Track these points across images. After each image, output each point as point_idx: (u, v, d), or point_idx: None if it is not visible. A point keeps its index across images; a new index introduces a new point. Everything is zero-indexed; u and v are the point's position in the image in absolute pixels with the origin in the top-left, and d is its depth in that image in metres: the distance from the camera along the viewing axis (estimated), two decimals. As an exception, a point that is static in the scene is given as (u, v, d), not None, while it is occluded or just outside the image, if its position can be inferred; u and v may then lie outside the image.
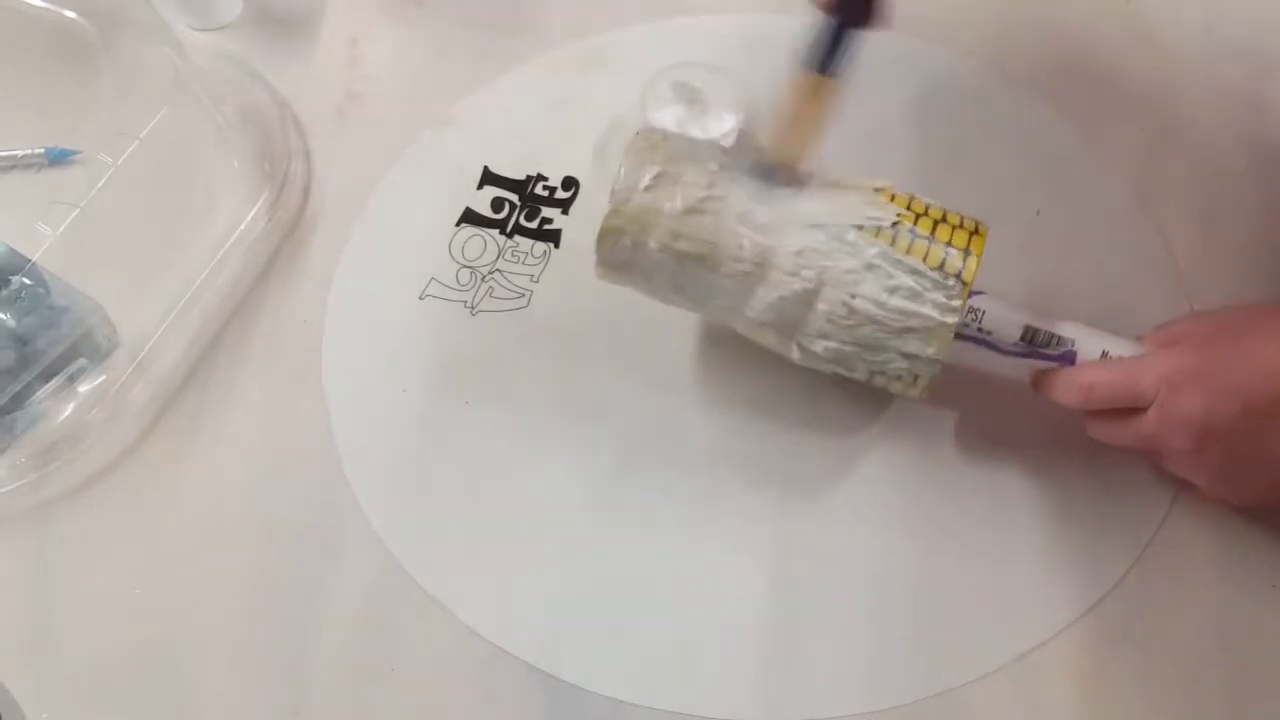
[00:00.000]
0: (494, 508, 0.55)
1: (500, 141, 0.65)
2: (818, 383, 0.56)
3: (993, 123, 0.65)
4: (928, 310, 0.49)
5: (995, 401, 0.56)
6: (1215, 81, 0.66)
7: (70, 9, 0.63)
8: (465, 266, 0.61)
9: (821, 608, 0.52)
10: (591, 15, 0.69)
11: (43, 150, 0.63)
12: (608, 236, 0.51)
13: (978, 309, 0.51)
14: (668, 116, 0.62)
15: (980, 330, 0.51)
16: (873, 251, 0.49)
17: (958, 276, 0.49)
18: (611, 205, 0.50)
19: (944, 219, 0.50)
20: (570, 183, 0.64)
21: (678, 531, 0.54)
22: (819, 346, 0.51)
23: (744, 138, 0.63)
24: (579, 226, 0.62)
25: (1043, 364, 0.52)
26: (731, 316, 0.52)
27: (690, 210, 0.50)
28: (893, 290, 0.49)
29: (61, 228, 0.54)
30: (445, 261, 0.61)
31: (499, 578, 0.53)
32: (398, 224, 0.63)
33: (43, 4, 0.64)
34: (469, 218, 0.63)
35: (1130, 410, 0.49)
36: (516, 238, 0.62)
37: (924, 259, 0.49)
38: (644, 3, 0.70)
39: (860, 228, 0.49)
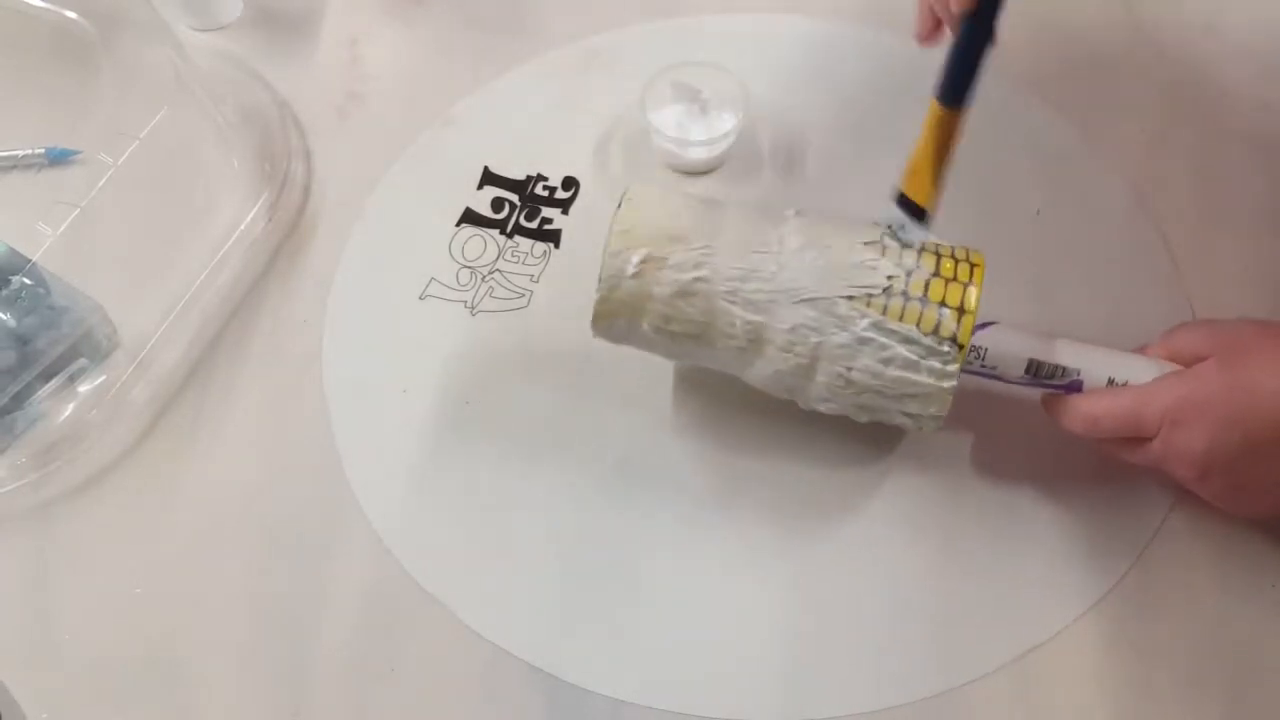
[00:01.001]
0: (494, 507, 0.55)
1: (500, 141, 0.65)
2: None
3: (993, 123, 0.65)
4: (924, 378, 0.48)
5: (997, 407, 0.56)
6: (1215, 81, 0.66)
7: (70, 9, 0.63)
8: (465, 266, 0.61)
9: (821, 608, 0.52)
10: (591, 15, 0.69)
11: (43, 150, 0.63)
12: (601, 319, 0.51)
13: (980, 347, 0.50)
14: (668, 116, 0.62)
15: (984, 366, 0.51)
16: (864, 324, 0.48)
17: (953, 339, 0.48)
18: (600, 291, 0.50)
19: (937, 270, 0.49)
20: (570, 183, 0.64)
21: (678, 531, 0.54)
22: (822, 407, 0.51)
23: (743, 138, 0.63)
24: (579, 226, 0.62)
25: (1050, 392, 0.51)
26: (735, 373, 0.53)
27: (679, 294, 0.49)
28: (888, 361, 0.48)
29: (62, 228, 0.54)
30: (445, 261, 0.61)
31: (499, 578, 0.53)
32: (398, 224, 0.63)
33: (43, 4, 0.64)
34: (469, 218, 0.63)
35: (1137, 438, 0.49)
36: (516, 238, 0.62)
37: (917, 324, 0.48)
38: (644, 3, 0.70)
39: (850, 298, 0.48)
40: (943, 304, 0.48)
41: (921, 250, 0.49)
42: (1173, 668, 0.50)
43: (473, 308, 0.60)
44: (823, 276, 0.49)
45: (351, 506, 0.54)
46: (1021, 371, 0.50)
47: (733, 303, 0.49)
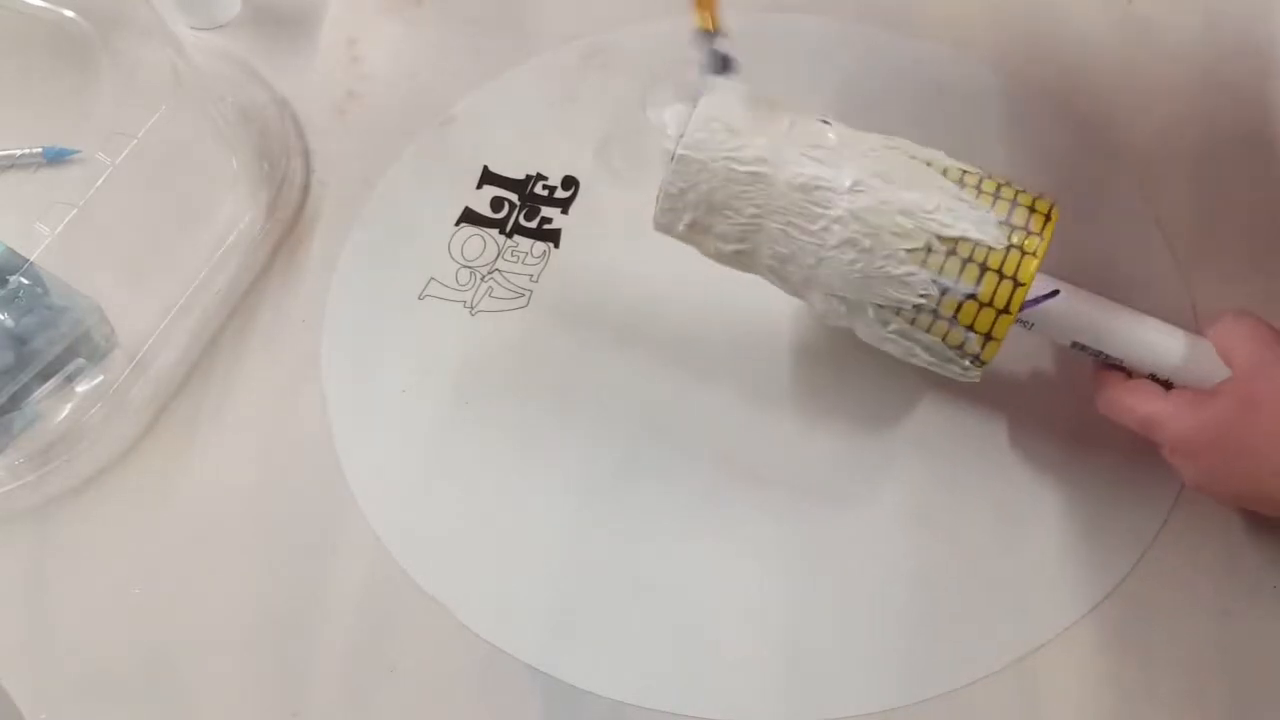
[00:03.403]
0: (493, 508, 0.54)
1: (500, 141, 0.65)
2: (820, 384, 0.56)
3: (993, 123, 0.65)
4: (950, 371, 0.51)
5: (997, 405, 0.56)
6: (1216, 80, 0.66)
7: (69, 8, 0.63)
8: (464, 266, 0.61)
9: (822, 608, 0.52)
10: (591, 15, 0.69)
11: (40, 149, 0.63)
12: (660, 229, 0.52)
13: (1028, 320, 0.50)
14: (668, 116, 0.62)
15: (1034, 329, 0.51)
16: (891, 328, 0.50)
17: (975, 357, 0.49)
18: (655, 226, 0.52)
19: (979, 280, 0.48)
20: (570, 182, 0.64)
21: (677, 531, 0.54)
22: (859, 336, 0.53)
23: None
24: (579, 226, 0.62)
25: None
26: None
27: (725, 257, 0.51)
28: (915, 355, 0.51)
29: (60, 227, 0.54)
30: (444, 261, 0.61)
31: (498, 578, 0.53)
32: (397, 223, 0.63)
33: (42, 3, 0.64)
34: (468, 217, 0.63)
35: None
36: (516, 237, 0.62)
37: (943, 339, 0.49)
38: (644, 3, 0.70)
39: (881, 306, 0.49)
40: (970, 329, 0.49)
41: (971, 242, 0.48)
42: (1175, 668, 0.50)
43: (472, 308, 0.60)
44: (857, 283, 0.49)
45: (350, 506, 0.54)
46: (1067, 345, 0.51)
47: (774, 273, 0.51)
